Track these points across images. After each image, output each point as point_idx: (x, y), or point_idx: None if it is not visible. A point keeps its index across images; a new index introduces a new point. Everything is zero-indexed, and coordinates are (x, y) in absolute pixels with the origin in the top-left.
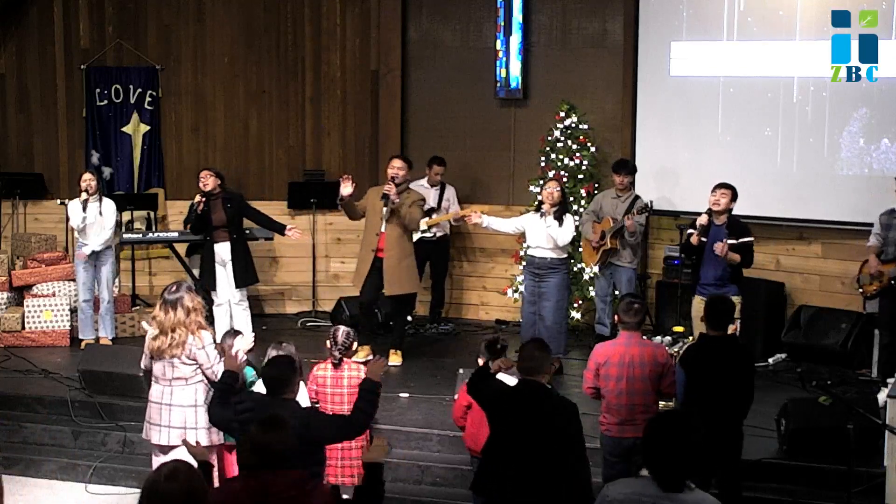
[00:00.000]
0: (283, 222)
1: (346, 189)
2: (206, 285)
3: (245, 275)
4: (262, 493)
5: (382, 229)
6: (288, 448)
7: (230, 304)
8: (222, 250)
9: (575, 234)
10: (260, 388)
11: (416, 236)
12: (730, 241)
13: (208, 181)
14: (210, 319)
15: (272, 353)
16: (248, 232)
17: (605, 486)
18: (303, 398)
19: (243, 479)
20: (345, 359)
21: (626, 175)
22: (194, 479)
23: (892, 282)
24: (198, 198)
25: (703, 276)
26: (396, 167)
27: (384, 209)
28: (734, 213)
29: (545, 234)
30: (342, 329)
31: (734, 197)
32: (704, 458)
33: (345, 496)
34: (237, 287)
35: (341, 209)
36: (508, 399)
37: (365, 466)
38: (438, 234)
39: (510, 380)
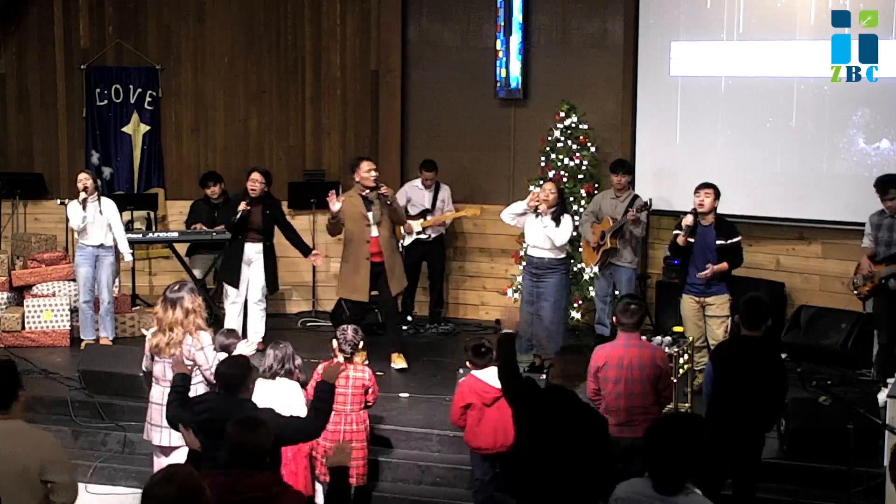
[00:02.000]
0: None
1: (337, 205)
2: (223, 279)
3: (275, 281)
4: (227, 491)
5: (374, 234)
6: (262, 450)
7: (245, 303)
8: (251, 251)
9: (574, 234)
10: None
11: (411, 238)
12: (719, 243)
13: (257, 187)
14: (212, 319)
15: (271, 353)
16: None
17: (618, 486)
18: (298, 398)
19: (212, 475)
20: (353, 356)
21: (622, 175)
22: (191, 481)
23: (883, 281)
24: (243, 205)
25: (692, 275)
26: (374, 167)
27: (370, 213)
28: (722, 212)
29: (542, 235)
30: (351, 327)
31: (717, 195)
32: (706, 462)
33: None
34: (269, 293)
35: (327, 226)
36: (540, 403)
37: (332, 471)
38: (433, 235)
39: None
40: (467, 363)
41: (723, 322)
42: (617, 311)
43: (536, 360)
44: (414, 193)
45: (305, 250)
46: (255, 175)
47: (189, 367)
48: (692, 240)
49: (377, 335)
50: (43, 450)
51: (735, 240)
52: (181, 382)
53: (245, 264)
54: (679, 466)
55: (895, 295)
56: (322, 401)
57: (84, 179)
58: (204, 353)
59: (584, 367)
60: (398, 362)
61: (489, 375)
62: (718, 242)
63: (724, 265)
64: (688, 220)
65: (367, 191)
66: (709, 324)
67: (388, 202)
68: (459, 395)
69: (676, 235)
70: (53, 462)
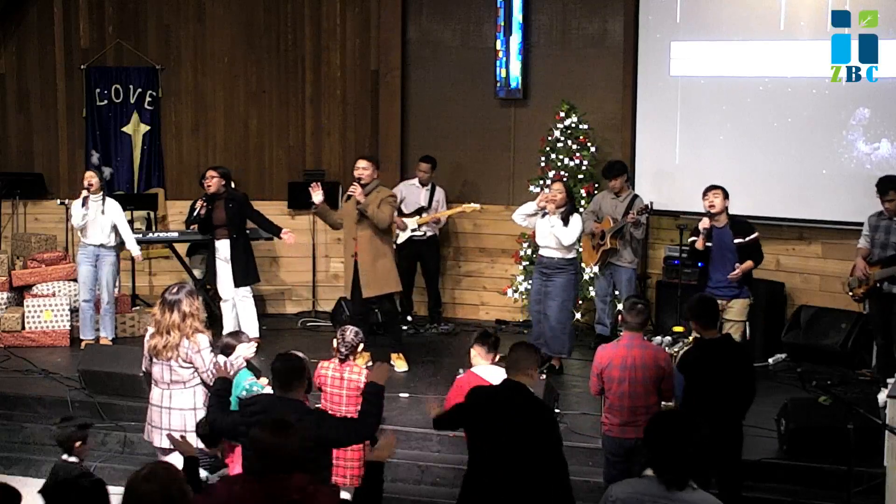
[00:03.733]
0: (281, 225)
1: (317, 196)
2: (209, 283)
3: (244, 274)
4: (264, 497)
5: (358, 232)
6: (295, 452)
7: (235, 300)
8: (223, 248)
9: (580, 234)
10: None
11: (405, 235)
12: (738, 241)
13: (212, 183)
14: (212, 318)
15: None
16: (247, 231)
17: (610, 487)
18: None
19: (245, 482)
20: (349, 358)
21: (616, 177)
22: (173, 480)
23: (878, 284)
24: (199, 202)
25: (714, 278)
26: (361, 168)
27: (355, 212)
28: (733, 213)
29: (551, 234)
30: (351, 328)
31: (726, 196)
32: (706, 457)
33: (344, 495)
34: (236, 286)
35: (317, 217)
36: (492, 402)
37: (366, 465)
38: (428, 234)
39: (498, 373)
40: (475, 354)
41: (739, 326)
42: (623, 310)
43: (545, 358)
44: (409, 192)
45: (276, 231)
46: (209, 172)
47: (230, 374)
48: (710, 244)
49: (377, 335)
50: None
51: (753, 236)
52: (222, 386)
53: (223, 262)
54: (686, 459)
55: (889, 298)
56: (371, 403)
57: (90, 177)
58: (201, 356)
59: (526, 356)
60: (399, 364)
61: (491, 373)
62: (737, 241)
63: (750, 263)
64: (704, 224)
65: None
66: (724, 327)
67: (355, 203)
68: (458, 391)
69: (693, 241)
70: None
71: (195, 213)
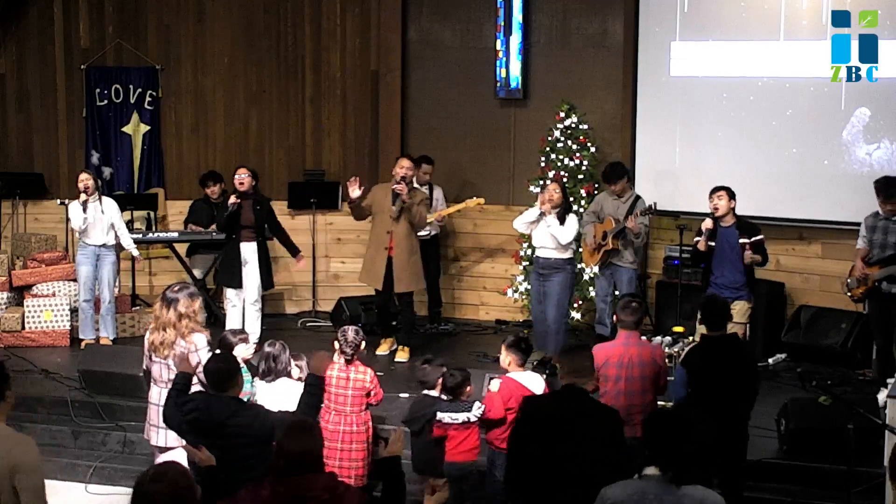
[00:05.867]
0: (284, 227)
1: (356, 192)
2: (223, 283)
3: (266, 278)
4: (293, 498)
5: (392, 227)
6: (317, 452)
7: (244, 304)
8: (247, 250)
9: (577, 233)
10: (258, 391)
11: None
12: (742, 241)
13: (245, 181)
14: (211, 319)
15: (300, 362)
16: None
17: (603, 490)
18: (294, 396)
19: (271, 485)
20: (354, 358)
21: (616, 181)
22: (181, 480)
23: (877, 284)
24: (233, 198)
25: (718, 278)
26: (406, 167)
27: (393, 208)
28: (739, 213)
29: (547, 234)
30: (352, 328)
31: (732, 196)
32: (706, 453)
33: None
34: (264, 289)
35: (349, 210)
36: (549, 407)
37: (383, 462)
38: (432, 233)
39: (533, 378)
40: (510, 361)
41: (739, 328)
42: (617, 309)
43: (546, 357)
44: None
45: (294, 251)
46: (241, 171)
47: (193, 366)
48: (713, 243)
49: (377, 334)
50: (16, 454)
51: (758, 237)
52: (182, 381)
53: (242, 265)
54: (690, 454)
55: (888, 298)
56: (311, 394)
57: (85, 180)
58: (198, 356)
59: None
60: (401, 356)
61: (527, 379)
62: (742, 241)
63: (759, 257)
64: (707, 224)
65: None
66: None
67: (403, 203)
68: (508, 392)
69: (697, 241)
70: (23, 467)
71: (228, 208)
